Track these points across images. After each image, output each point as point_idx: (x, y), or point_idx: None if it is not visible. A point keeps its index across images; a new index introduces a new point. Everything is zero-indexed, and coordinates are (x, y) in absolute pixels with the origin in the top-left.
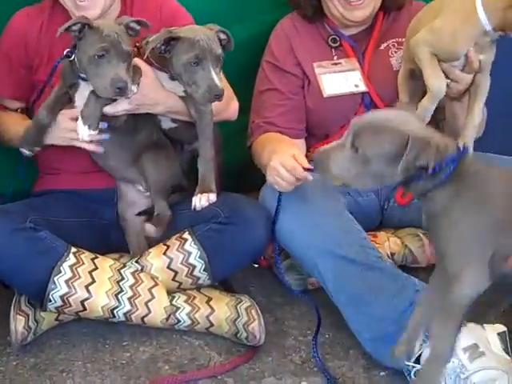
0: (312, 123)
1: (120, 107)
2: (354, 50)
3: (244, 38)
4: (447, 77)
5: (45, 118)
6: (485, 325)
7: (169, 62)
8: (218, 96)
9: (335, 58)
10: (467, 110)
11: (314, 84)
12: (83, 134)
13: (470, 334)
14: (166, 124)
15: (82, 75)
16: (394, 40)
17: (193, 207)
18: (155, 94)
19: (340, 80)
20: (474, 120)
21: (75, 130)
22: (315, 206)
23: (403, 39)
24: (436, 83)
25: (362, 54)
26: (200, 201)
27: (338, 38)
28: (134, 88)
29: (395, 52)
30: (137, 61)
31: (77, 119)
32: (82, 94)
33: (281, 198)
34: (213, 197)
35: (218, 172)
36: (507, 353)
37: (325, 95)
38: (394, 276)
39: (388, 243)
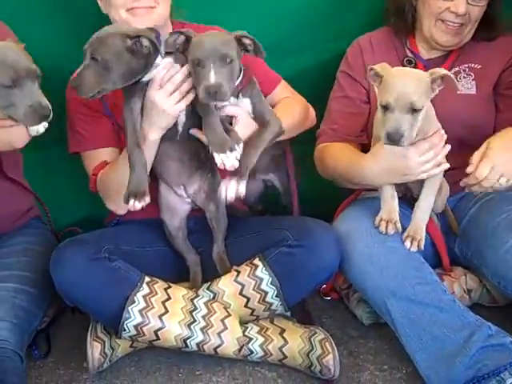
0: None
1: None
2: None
3: (312, 64)
4: None
5: (140, 154)
6: None
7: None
8: (210, 93)
9: None
10: None
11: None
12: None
13: None
14: None
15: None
16: (466, 65)
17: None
18: (249, 130)
19: None
20: None
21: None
22: (385, 247)
23: (476, 65)
24: None
25: None
26: (227, 190)
27: (413, 60)
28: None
29: (464, 77)
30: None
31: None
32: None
33: None
34: (242, 188)
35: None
36: None
37: None
38: (465, 320)
39: (465, 278)
